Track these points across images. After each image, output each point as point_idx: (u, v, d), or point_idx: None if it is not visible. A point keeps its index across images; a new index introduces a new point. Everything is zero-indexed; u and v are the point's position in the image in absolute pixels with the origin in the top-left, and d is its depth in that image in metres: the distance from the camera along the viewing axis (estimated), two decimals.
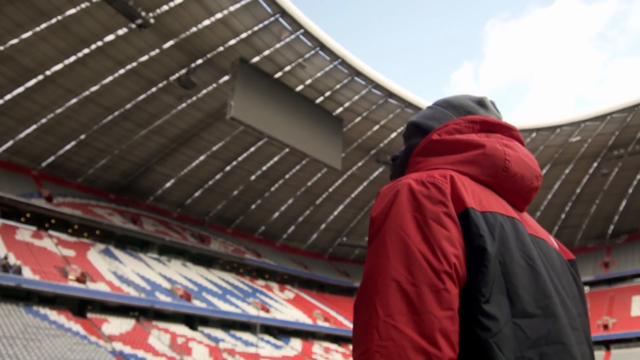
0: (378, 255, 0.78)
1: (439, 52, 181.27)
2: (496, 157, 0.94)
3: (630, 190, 42.98)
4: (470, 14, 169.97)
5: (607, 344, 36.17)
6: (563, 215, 45.94)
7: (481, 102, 1.11)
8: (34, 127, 30.31)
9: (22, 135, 30.47)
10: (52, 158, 32.68)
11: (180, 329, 28.51)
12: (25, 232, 28.15)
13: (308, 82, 33.96)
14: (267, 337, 32.55)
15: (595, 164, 41.14)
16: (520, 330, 0.77)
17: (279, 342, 32.83)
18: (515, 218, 0.90)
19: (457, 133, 0.99)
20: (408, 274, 0.74)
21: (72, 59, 27.61)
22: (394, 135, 39.29)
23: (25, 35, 25.52)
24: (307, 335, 35.81)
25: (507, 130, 1.02)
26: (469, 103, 1.10)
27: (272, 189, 41.93)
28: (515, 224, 0.89)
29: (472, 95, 1.13)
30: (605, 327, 36.33)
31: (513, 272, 0.81)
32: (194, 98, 32.63)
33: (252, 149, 37.78)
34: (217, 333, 30.20)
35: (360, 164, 41.70)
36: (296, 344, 33.73)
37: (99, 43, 27.40)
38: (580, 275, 1.01)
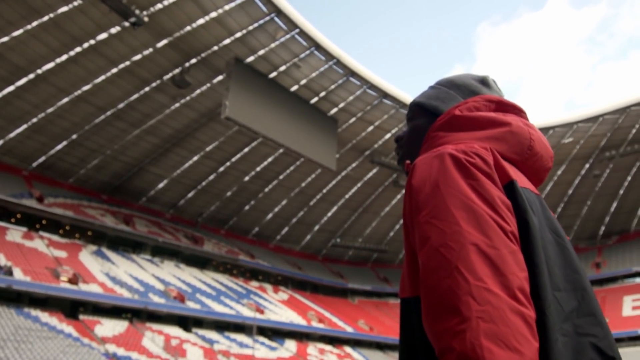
0: (445, 222, 0.75)
1: (431, 55, 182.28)
2: (522, 136, 0.94)
3: (621, 192, 43.39)
4: (461, 17, 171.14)
5: None
6: (555, 217, 46.20)
7: (484, 81, 1.10)
8: (24, 126, 29.85)
9: (12, 134, 29.99)
10: (43, 158, 32.21)
11: (174, 331, 28.18)
12: (15, 233, 27.68)
13: (303, 82, 33.85)
14: (261, 339, 32.30)
15: (587, 165, 41.49)
16: (558, 302, 0.77)
17: (273, 344, 32.60)
18: (539, 195, 0.93)
19: (476, 110, 0.99)
20: (485, 237, 0.72)
21: (64, 57, 27.24)
22: (388, 136, 39.29)
23: (16, 33, 25.13)
24: (302, 336, 35.61)
25: (518, 112, 1.02)
26: (472, 82, 1.09)
27: (266, 189, 41.73)
28: (541, 200, 0.91)
29: (474, 74, 1.12)
30: None
31: (546, 247, 0.82)
32: (188, 98, 32.36)
33: (246, 149, 37.56)
34: (212, 334, 29.91)
35: (354, 164, 41.64)
36: (291, 345, 33.52)
37: (92, 41, 27.06)
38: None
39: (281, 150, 37.15)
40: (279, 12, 28.74)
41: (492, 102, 1.01)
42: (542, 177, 1.01)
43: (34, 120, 29.67)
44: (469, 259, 0.71)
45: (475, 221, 0.74)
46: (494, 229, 0.74)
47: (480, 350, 0.64)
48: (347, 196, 44.70)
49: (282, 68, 32.53)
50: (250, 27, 29.28)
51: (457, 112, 0.98)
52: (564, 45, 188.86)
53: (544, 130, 37.56)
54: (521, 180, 0.88)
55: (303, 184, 42.15)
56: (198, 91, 32.21)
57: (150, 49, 28.64)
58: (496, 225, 0.74)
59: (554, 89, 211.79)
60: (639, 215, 45.02)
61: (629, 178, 42.08)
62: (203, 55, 30.00)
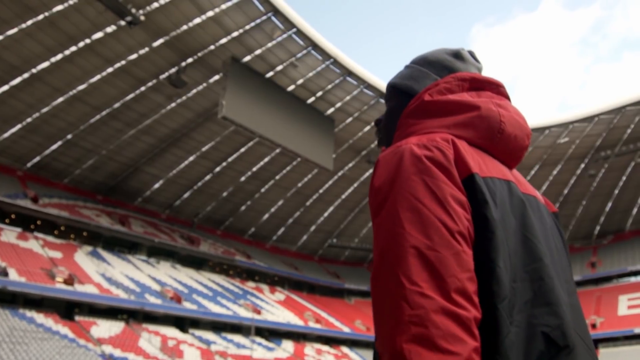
0: (391, 224, 0.75)
1: None
2: (492, 119, 0.92)
3: (616, 191, 43.60)
4: (456, 18, 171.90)
5: (595, 343, 36.41)
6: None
7: (457, 55, 1.06)
8: (19, 126, 29.58)
9: (6, 134, 29.71)
10: (37, 158, 31.94)
11: (171, 332, 28.01)
12: (10, 234, 27.40)
13: (300, 81, 33.77)
14: (258, 339, 32.17)
15: (582, 165, 41.65)
16: (514, 294, 0.77)
17: (270, 344, 32.48)
18: (510, 181, 0.90)
19: (448, 92, 0.96)
20: (426, 238, 0.73)
21: (60, 56, 27.00)
22: None
23: (11, 32, 24.88)
24: (299, 337, 35.52)
25: (495, 87, 1.00)
26: (445, 57, 1.06)
27: (262, 190, 41.60)
28: (510, 187, 0.88)
29: (448, 49, 1.08)
30: (593, 326, 36.67)
31: (509, 238, 0.81)
32: (184, 97, 32.19)
33: (243, 149, 37.42)
34: (209, 335, 29.75)
35: (351, 164, 41.61)
36: (288, 345, 33.41)
37: (87, 40, 26.84)
38: (562, 228, 1.02)
39: (277, 151, 37.05)
40: (276, 12, 28.66)
41: (465, 81, 0.97)
42: (518, 157, 0.98)
43: (29, 120, 29.41)
44: (407, 263, 0.71)
45: (420, 223, 0.74)
46: (438, 230, 0.73)
47: (408, 354, 0.65)
48: (343, 196, 44.65)
49: (279, 67, 32.44)
50: (247, 27, 29.17)
51: (426, 97, 0.95)
52: (558, 47, 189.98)
53: (540, 130, 37.69)
54: (487, 169, 0.86)
55: (299, 184, 42.05)
56: (194, 91, 32.05)
57: (147, 48, 28.46)
58: (442, 226, 0.73)
59: (547, 90, 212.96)
60: (633, 215, 45.26)
61: (624, 178, 42.29)
62: (200, 54, 29.85)
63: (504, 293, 0.75)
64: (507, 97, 1.02)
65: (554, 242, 0.92)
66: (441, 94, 0.95)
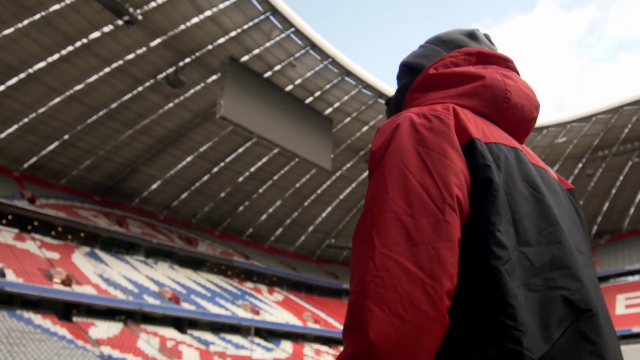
0: (377, 188, 0.77)
1: None
2: (496, 88, 0.91)
3: (613, 191, 43.74)
4: (452, 19, 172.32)
5: None
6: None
7: (472, 35, 1.06)
8: (15, 126, 29.41)
9: (3, 135, 29.53)
10: (34, 159, 31.76)
11: (170, 332, 27.89)
12: (7, 235, 27.21)
13: (298, 81, 33.70)
14: (257, 340, 32.08)
15: (580, 165, 41.76)
16: (526, 258, 0.76)
17: (269, 345, 32.39)
18: (517, 148, 0.89)
19: (453, 66, 0.95)
20: (407, 205, 0.73)
21: (56, 56, 26.86)
22: None
23: (7, 32, 24.73)
24: (298, 337, 35.45)
25: (503, 62, 0.99)
26: (459, 37, 1.05)
27: (260, 190, 41.51)
28: (518, 154, 0.87)
29: (463, 29, 1.09)
30: None
31: (517, 201, 0.80)
32: (182, 97, 32.07)
33: (241, 149, 37.33)
34: (207, 336, 29.63)
35: (349, 164, 41.56)
36: (287, 346, 33.33)
37: (85, 40, 26.71)
38: (579, 203, 0.98)
39: (275, 151, 36.97)
40: (275, 11, 28.60)
41: (472, 55, 0.97)
42: (526, 128, 0.97)
43: (25, 120, 29.24)
44: (383, 226, 0.72)
45: (404, 190, 0.74)
46: (421, 199, 0.73)
47: (362, 310, 0.67)
48: (341, 197, 44.60)
49: (277, 67, 32.37)
50: (246, 26, 29.10)
51: (431, 70, 0.96)
52: (554, 48, 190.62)
53: (537, 130, 37.77)
54: (492, 135, 0.85)
55: (297, 185, 41.99)
56: (192, 91, 31.95)
57: (144, 48, 28.34)
58: (425, 195, 0.73)
59: (543, 91, 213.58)
60: (631, 214, 45.42)
61: (621, 177, 42.42)
62: (197, 54, 29.76)
63: (506, 255, 0.73)
64: (516, 72, 1.01)
65: (568, 215, 0.89)
66: (446, 67, 0.95)
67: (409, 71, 1.07)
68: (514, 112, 0.93)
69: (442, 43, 1.05)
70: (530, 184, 0.84)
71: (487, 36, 1.10)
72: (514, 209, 0.79)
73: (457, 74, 0.93)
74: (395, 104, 1.08)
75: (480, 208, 0.76)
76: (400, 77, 1.10)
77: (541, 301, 0.73)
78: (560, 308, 0.74)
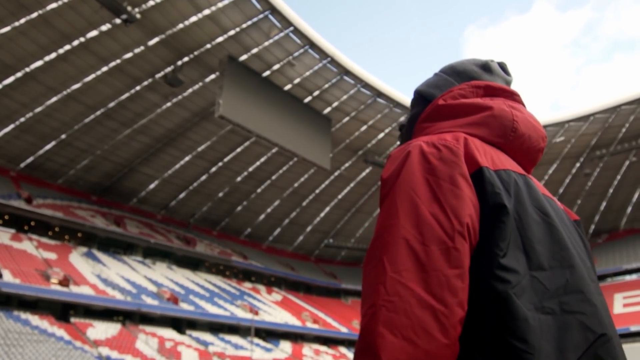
0: (388, 215, 0.79)
1: (422, 56, 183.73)
2: (504, 118, 0.93)
3: (611, 190, 43.84)
4: (449, 20, 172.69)
5: None
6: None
7: (485, 67, 1.08)
8: (12, 126, 29.19)
9: (0, 134, 29.32)
10: (31, 158, 31.52)
11: (168, 333, 27.71)
12: (3, 235, 26.97)
13: (297, 81, 33.60)
14: (256, 340, 31.92)
15: (577, 164, 41.83)
16: (538, 282, 0.77)
17: (268, 345, 32.25)
18: (527, 175, 0.91)
19: (461, 98, 0.98)
20: (417, 232, 0.75)
21: (54, 55, 26.66)
22: (381, 135, 39.21)
23: (4, 30, 24.52)
24: (297, 337, 35.32)
25: (510, 95, 1.01)
26: (473, 68, 1.08)
27: (259, 190, 41.37)
28: (527, 180, 0.89)
29: (477, 59, 1.10)
30: None
31: (528, 227, 0.81)
32: (180, 96, 31.90)
33: (239, 149, 37.18)
34: (206, 336, 29.47)
35: (347, 164, 41.46)
36: (286, 346, 33.20)
37: (82, 39, 26.52)
38: (585, 235, 0.98)
39: (274, 150, 36.85)
40: (273, 10, 28.49)
41: (480, 88, 1.00)
42: (534, 158, 1.00)
43: (22, 119, 29.01)
44: (395, 252, 0.73)
45: (415, 217, 0.76)
46: (431, 226, 0.75)
47: (374, 335, 0.68)
48: (340, 196, 44.49)
49: (276, 66, 32.25)
50: (244, 25, 28.97)
51: (440, 101, 0.99)
52: (550, 48, 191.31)
53: None
54: (501, 162, 0.86)
55: (296, 184, 41.86)
56: (190, 90, 31.78)
57: (142, 47, 28.17)
58: (435, 223, 0.75)
59: (540, 91, 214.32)
60: (628, 213, 45.53)
61: (619, 177, 42.52)
62: (196, 53, 29.60)
63: (516, 279, 0.74)
64: (523, 104, 1.02)
65: (576, 244, 0.89)
66: (454, 99, 0.98)
67: (421, 100, 1.09)
68: (521, 142, 0.95)
69: (455, 74, 1.08)
70: (541, 209, 0.85)
71: (502, 65, 1.11)
72: (524, 234, 0.79)
73: (465, 104, 0.96)
74: (407, 132, 1.11)
75: (489, 234, 0.77)
76: (413, 105, 1.12)
77: (557, 325, 0.73)
78: (576, 332, 0.73)
